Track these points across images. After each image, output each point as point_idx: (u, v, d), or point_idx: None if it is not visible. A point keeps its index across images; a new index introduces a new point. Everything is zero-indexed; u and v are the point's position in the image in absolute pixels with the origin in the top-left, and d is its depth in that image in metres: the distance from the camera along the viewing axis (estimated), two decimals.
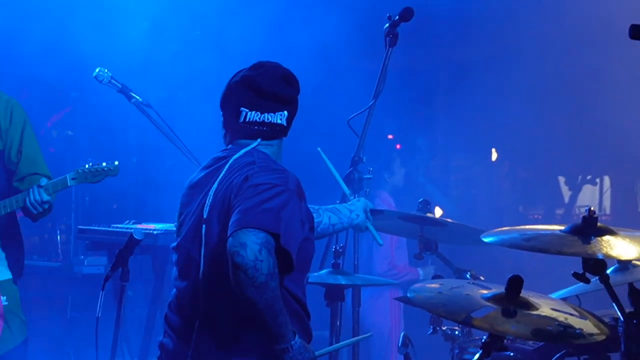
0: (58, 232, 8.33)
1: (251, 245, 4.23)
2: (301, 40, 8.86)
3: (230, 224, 4.35)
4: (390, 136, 10.15)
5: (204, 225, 4.59)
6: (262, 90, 4.68)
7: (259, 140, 4.73)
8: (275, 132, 4.75)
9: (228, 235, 4.31)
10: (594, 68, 9.23)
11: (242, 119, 4.71)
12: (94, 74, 6.83)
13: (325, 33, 8.94)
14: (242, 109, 4.70)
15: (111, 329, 5.49)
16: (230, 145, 4.80)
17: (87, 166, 6.38)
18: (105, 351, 5.41)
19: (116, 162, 6.44)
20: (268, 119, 4.72)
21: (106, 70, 6.82)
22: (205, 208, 4.60)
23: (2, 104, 6.47)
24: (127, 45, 8.74)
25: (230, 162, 4.66)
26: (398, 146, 9.54)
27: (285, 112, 4.74)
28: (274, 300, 4.30)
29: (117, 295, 5.63)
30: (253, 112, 4.70)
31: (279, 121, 4.73)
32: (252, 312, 4.37)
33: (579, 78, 9.41)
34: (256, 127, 4.72)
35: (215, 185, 4.62)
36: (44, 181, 6.29)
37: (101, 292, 5.39)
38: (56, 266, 8.39)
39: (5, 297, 6.44)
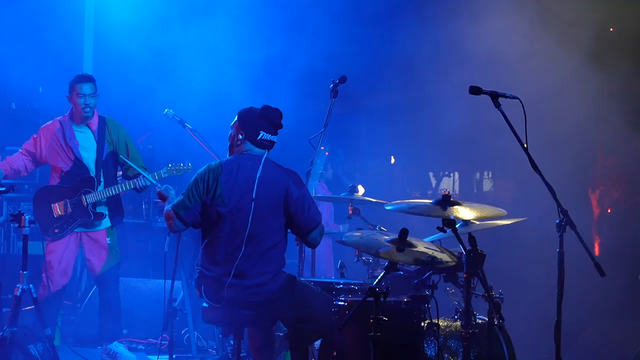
0: (143, 202, 8.24)
1: (318, 237, 4.75)
2: (286, 91, 8.62)
3: (304, 222, 4.69)
4: (322, 147, 9.93)
5: (253, 203, 4.57)
6: (273, 122, 4.73)
7: (266, 151, 4.75)
8: (271, 146, 4.80)
9: (307, 230, 4.71)
10: (451, 87, 7.96)
11: (259, 137, 4.73)
12: (164, 113, 6.76)
13: (299, 89, 8.72)
14: (260, 131, 4.73)
15: (173, 258, 5.47)
16: (249, 153, 4.76)
17: (175, 164, 6.44)
18: (169, 270, 5.41)
19: (190, 164, 6.51)
20: (271, 139, 4.77)
21: (171, 110, 6.76)
22: (253, 192, 4.57)
23: (114, 126, 6.49)
24: (185, 92, 8.51)
25: (262, 165, 4.65)
26: (327, 153, 9.35)
27: (277, 136, 4.80)
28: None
29: (177, 239, 5.63)
30: (266, 134, 4.73)
31: (274, 140, 4.80)
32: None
33: (445, 101, 8.40)
34: (265, 143, 4.76)
35: (257, 179, 4.60)
36: (147, 175, 6.30)
37: (167, 237, 5.38)
38: (142, 222, 8.30)
39: (109, 238, 6.45)
